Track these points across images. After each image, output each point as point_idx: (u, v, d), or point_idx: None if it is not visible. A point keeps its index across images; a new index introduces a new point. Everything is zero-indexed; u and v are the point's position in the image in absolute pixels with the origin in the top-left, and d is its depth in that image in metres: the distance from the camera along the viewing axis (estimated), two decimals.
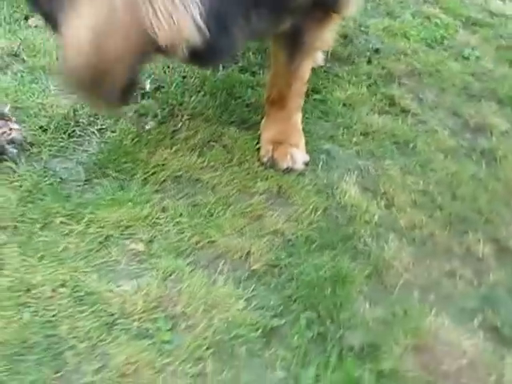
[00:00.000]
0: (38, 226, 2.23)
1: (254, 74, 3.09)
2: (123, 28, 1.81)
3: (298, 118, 2.67)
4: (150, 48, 1.87)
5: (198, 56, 2.02)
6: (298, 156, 2.60)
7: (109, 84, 1.93)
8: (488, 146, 2.97)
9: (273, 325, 2.09)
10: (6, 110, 2.47)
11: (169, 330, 2.01)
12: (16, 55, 2.93)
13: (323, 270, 2.26)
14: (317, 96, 3.00)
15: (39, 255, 2.15)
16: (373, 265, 2.33)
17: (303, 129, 2.75)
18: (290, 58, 2.49)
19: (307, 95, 2.86)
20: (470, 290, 2.34)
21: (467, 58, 3.55)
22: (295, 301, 2.16)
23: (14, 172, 2.39)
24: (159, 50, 1.89)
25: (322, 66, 3.18)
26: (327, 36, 2.52)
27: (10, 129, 2.36)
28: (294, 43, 2.46)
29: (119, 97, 2.01)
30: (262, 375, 1.96)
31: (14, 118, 2.45)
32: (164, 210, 2.36)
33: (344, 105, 2.99)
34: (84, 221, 2.27)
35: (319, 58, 3.16)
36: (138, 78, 2.07)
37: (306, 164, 2.63)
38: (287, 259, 2.29)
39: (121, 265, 2.18)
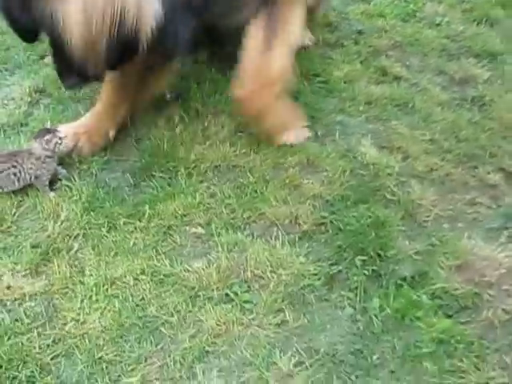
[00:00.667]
0: (105, 229, 2.47)
1: None
2: (102, 9, 2.20)
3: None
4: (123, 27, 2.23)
5: (161, 45, 2.36)
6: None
7: (96, 51, 2.27)
8: (476, 94, 3.29)
9: (332, 272, 2.36)
10: (47, 125, 2.71)
11: (246, 292, 2.27)
12: (42, 91, 3.19)
13: (363, 219, 2.53)
14: (319, 78, 3.29)
15: (113, 253, 2.39)
16: (403, 208, 2.61)
17: (314, 107, 3.04)
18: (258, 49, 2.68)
19: (308, 78, 3.17)
20: (491, 212, 2.64)
21: (439, 25, 3.88)
22: (345, 249, 2.43)
23: (71, 189, 2.63)
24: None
25: (307, 47, 3.46)
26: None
27: (60, 138, 2.60)
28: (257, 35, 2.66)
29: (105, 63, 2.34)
30: (334, 315, 2.22)
31: (58, 128, 2.69)
32: (212, 195, 2.62)
33: (344, 82, 3.29)
34: (145, 217, 2.51)
35: (306, 38, 3.46)
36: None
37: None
38: (330, 216, 2.55)
39: (187, 248, 2.43)
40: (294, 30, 2.71)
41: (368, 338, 2.16)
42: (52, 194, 2.59)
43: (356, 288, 2.32)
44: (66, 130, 2.70)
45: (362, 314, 2.24)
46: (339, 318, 2.23)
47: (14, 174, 2.55)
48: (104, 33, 2.25)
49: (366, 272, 2.37)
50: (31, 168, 2.56)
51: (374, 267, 2.38)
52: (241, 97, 2.69)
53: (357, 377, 2.06)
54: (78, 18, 2.24)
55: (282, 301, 2.25)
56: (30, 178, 2.58)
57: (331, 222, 2.55)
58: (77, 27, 2.25)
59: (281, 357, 2.08)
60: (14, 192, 2.59)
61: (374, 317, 2.22)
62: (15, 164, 2.56)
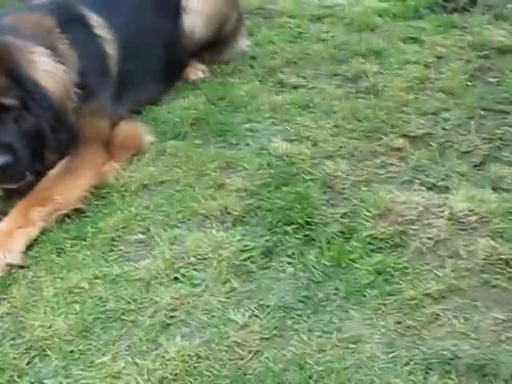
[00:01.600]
0: (54, 254, 2.59)
1: None
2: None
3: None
4: None
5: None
6: None
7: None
8: (369, 84, 3.64)
9: (268, 244, 2.58)
10: None
11: (192, 271, 2.47)
12: None
13: (287, 197, 2.77)
14: (224, 101, 3.61)
15: (65, 270, 2.50)
16: (321, 182, 2.89)
17: (223, 123, 3.36)
18: None
19: (214, 102, 3.52)
20: (401, 169, 2.93)
21: (325, 40, 4.28)
22: (276, 224, 2.66)
23: None
24: None
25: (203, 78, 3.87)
26: None
27: None
28: None
29: None
30: (277, 277, 2.44)
31: None
32: (146, 207, 2.83)
33: (247, 98, 3.59)
34: (89, 236, 2.68)
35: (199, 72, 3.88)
36: None
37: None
38: (257, 202, 2.81)
39: (132, 253, 2.62)
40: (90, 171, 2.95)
41: (312, 287, 2.37)
42: None
43: (293, 253, 2.53)
44: None
45: (303, 270, 2.45)
46: (283, 278, 2.43)
47: None
48: None
49: (298, 237, 2.58)
50: None
51: (306, 232, 2.60)
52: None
53: (308, 316, 2.24)
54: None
55: (227, 273, 2.44)
56: None
57: (259, 206, 2.77)
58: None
59: (235, 314, 2.25)
60: None
61: (313, 269, 2.43)
62: None
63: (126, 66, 3.38)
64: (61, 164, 2.94)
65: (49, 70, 2.89)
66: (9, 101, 2.77)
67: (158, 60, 3.66)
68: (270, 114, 3.43)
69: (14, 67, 2.79)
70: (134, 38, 3.47)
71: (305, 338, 2.16)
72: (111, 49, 3.34)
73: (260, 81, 3.79)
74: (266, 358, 2.09)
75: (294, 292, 2.35)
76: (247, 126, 3.36)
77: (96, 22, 3.32)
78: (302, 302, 2.31)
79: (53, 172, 2.91)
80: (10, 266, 2.55)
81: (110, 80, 3.31)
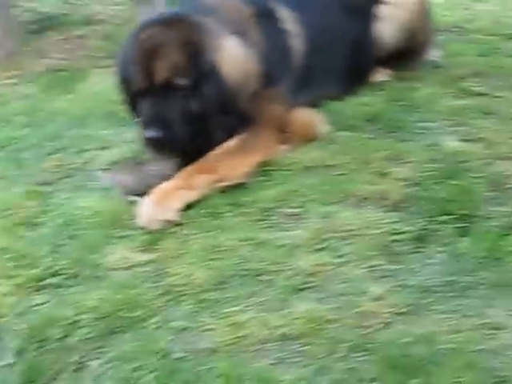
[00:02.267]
0: (209, 218, 2.67)
1: None
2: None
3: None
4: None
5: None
6: None
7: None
8: None
9: (422, 230, 2.49)
10: None
11: (338, 243, 2.44)
12: None
13: (449, 189, 2.66)
14: (402, 102, 3.54)
15: (216, 231, 2.58)
16: (489, 179, 2.76)
17: (397, 120, 3.31)
18: None
19: (390, 103, 3.48)
20: None
21: None
22: (434, 214, 2.55)
23: None
24: None
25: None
26: None
27: None
28: None
29: None
30: (424, 262, 2.34)
31: None
32: (304, 185, 2.82)
33: (426, 101, 3.51)
34: (245, 205, 2.73)
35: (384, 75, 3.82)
36: None
37: None
38: (418, 192, 2.72)
39: (283, 224, 2.63)
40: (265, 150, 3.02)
41: (459, 273, 2.25)
42: None
43: (446, 243, 2.41)
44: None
45: (453, 258, 2.33)
46: (430, 264, 2.33)
47: None
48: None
49: (454, 227, 2.47)
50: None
51: (463, 224, 2.48)
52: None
53: (448, 299, 2.13)
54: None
55: (374, 251, 2.38)
56: None
57: (419, 195, 2.68)
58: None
59: (372, 287, 2.18)
60: None
61: (464, 257, 2.31)
62: None
63: (310, 62, 3.42)
64: (233, 139, 3.02)
65: (233, 57, 3.00)
66: (182, 81, 2.89)
67: (343, 60, 3.67)
68: (447, 116, 3.32)
69: (199, 51, 2.93)
70: (321, 36, 3.50)
71: (440, 317, 2.06)
72: (297, 43, 3.39)
73: (442, 87, 3.68)
74: (395, 330, 2.01)
75: (440, 276, 2.24)
76: (421, 124, 3.27)
77: (286, 16, 3.40)
78: (444, 285, 2.19)
79: (224, 145, 3.00)
80: (166, 221, 2.65)
81: (292, 72, 3.36)
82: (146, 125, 2.90)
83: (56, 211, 2.85)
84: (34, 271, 2.46)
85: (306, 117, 3.24)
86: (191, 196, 2.76)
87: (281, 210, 2.69)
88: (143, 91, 2.94)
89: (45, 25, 6.09)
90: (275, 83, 3.20)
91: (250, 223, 2.62)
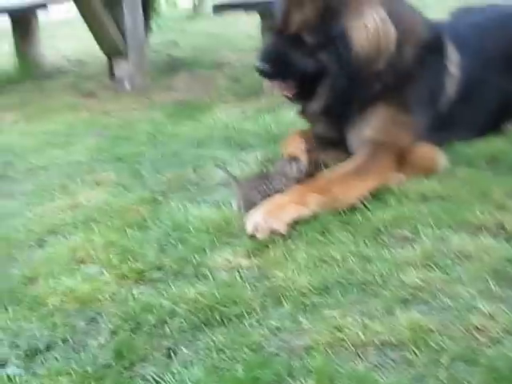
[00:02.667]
0: (318, 233, 2.61)
1: None
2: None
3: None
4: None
5: None
6: None
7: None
8: None
9: None
10: None
11: (449, 263, 2.31)
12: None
13: None
14: None
15: (323, 244, 2.47)
16: None
17: None
18: None
19: None
20: None
21: None
22: None
23: None
24: None
25: None
26: None
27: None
28: None
29: None
30: None
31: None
32: (417, 211, 2.74)
33: None
34: (356, 223, 2.66)
35: None
36: None
37: None
38: None
39: (394, 246, 2.52)
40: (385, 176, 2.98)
41: None
42: None
43: None
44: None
45: None
46: None
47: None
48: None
49: None
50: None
51: None
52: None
53: None
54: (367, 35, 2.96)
55: (487, 273, 2.23)
56: None
57: None
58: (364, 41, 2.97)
59: (482, 304, 2.04)
60: None
61: None
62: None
63: (456, 108, 3.32)
64: (351, 161, 3.01)
65: (369, 29, 2.99)
66: (310, 38, 3.00)
67: (488, 114, 3.51)
68: None
69: (334, 13, 2.97)
70: (476, 87, 3.40)
71: None
72: (451, 86, 3.31)
73: None
74: (504, 346, 1.86)
75: None
76: None
77: (452, 57, 3.33)
78: None
79: (341, 166, 2.99)
80: (274, 231, 2.61)
81: (436, 111, 3.28)
82: (261, 56, 3.13)
83: (166, 217, 2.89)
84: (137, 265, 2.48)
85: (427, 150, 3.15)
86: (302, 212, 2.73)
87: (392, 231, 2.60)
88: (278, 31, 3.10)
89: (176, 66, 6.39)
90: (415, 113, 3.16)
91: (359, 240, 2.53)
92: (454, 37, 3.36)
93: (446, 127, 3.31)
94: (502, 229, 2.54)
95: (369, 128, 3.11)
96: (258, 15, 4.91)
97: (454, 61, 3.31)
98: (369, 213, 2.73)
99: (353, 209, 2.78)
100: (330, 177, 2.94)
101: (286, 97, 3.27)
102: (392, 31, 3.03)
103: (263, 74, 3.16)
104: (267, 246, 2.55)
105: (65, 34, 9.26)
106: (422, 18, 3.35)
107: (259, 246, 2.55)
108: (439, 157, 3.16)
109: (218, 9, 5.57)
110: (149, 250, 2.60)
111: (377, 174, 2.96)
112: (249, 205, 2.78)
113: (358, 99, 3.13)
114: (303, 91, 3.19)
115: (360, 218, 2.69)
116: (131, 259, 2.52)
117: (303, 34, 3.02)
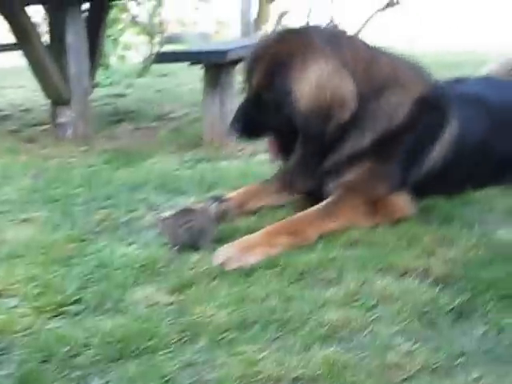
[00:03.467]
0: (242, 277, 2.57)
1: None
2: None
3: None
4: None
5: None
6: None
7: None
8: None
9: (464, 302, 2.32)
10: None
11: (371, 305, 2.32)
12: None
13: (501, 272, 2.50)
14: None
15: (246, 285, 2.44)
16: None
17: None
18: None
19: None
20: None
21: None
22: (481, 290, 2.38)
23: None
24: None
25: None
26: None
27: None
28: None
29: None
30: (464, 332, 2.16)
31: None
32: (344, 253, 2.74)
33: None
34: (279, 266, 2.64)
35: None
36: None
37: None
38: (464, 271, 2.55)
39: (317, 288, 2.51)
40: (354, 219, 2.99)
41: (499, 343, 2.08)
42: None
43: (490, 318, 2.23)
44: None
45: (494, 331, 2.16)
46: (468, 333, 2.16)
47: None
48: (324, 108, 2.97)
49: (500, 304, 2.30)
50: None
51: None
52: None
53: (482, 363, 1.96)
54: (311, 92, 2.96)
55: (408, 314, 2.23)
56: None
57: (464, 274, 2.53)
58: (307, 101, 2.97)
59: (400, 343, 2.04)
60: None
61: (507, 330, 2.13)
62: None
63: (449, 164, 3.28)
64: (322, 203, 3.02)
65: (315, 84, 2.98)
66: (267, 96, 3.07)
67: (480, 176, 3.47)
68: (504, 213, 3.21)
69: (282, 70, 3.01)
70: (473, 151, 3.38)
71: (472, 377, 1.89)
72: (445, 145, 3.26)
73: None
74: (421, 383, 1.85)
75: (477, 344, 2.07)
76: (476, 216, 3.14)
77: (450, 114, 3.27)
78: (480, 352, 2.03)
79: (312, 208, 3.01)
80: (240, 266, 2.63)
81: (422, 166, 3.24)
82: (233, 119, 3.24)
83: (92, 254, 2.85)
84: (56, 298, 2.43)
85: (397, 198, 3.12)
86: (270, 253, 2.74)
87: (317, 273, 2.59)
88: (245, 93, 3.24)
89: (120, 117, 6.40)
90: (396, 163, 3.14)
91: (282, 281, 2.52)
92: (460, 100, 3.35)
93: (438, 179, 3.27)
94: (428, 274, 2.54)
95: (345, 177, 3.11)
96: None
97: (451, 119, 3.26)
98: (294, 255, 2.72)
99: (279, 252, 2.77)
100: (301, 217, 2.96)
101: (273, 156, 3.34)
102: (346, 84, 3.02)
103: (235, 134, 3.30)
104: (190, 285, 2.51)
105: (13, 82, 9.24)
106: (418, 73, 3.30)
107: (182, 283, 2.52)
108: (410, 207, 3.14)
109: (161, 58, 5.61)
110: (70, 284, 2.54)
111: (344, 217, 2.98)
112: (174, 240, 2.81)
113: (333, 151, 3.14)
114: (285, 148, 3.23)
115: (286, 261, 2.67)
116: (51, 293, 2.46)
117: (262, 92, 3.08)
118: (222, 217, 3.00)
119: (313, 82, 2.96)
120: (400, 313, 2.24)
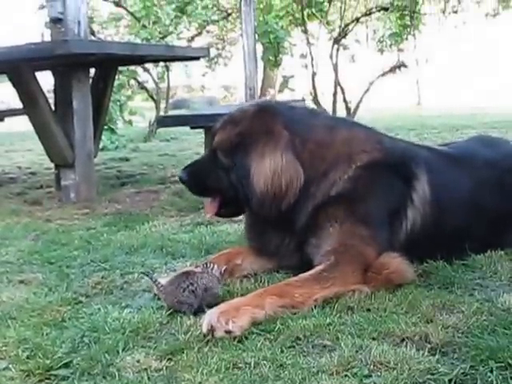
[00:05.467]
0: (235, 340, 2.52)
1: None
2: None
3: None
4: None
5: None
6: None
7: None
8: None
9: (463, 372, 2.25)
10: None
11: (367, 374, 2.24)
12: None
13: (498, 338, 2.44)
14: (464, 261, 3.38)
15: (238, 351, 2.38)
16: None
17: (450, 277, 3.16)
18: None
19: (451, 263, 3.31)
20: None
21: None
22: (480, 359, 2.31)
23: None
24: None
25: None
26: None
27: None
28: None
29: None
30: None
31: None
32: (341, 317, 2.69)
33: (486, 261, 3.33)
34: (275, 331, 2.59)
35: None
36: None
37: None
38: (464, 339, 2.49)
39: (312, 355, 2.45)
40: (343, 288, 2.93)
41: None
42: None
43: None
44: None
45: None
46: None
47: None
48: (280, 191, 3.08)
49: (501, 375, 2.22)
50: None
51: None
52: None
53: None
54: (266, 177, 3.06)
55: (405, 383, 2.17)
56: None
57: (465, 342, 2.46)
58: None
59: None
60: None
61: None
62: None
63: (433, 224, 3.30)
64: (313, 269, 2.99)
65: (268, 169, 3.07)
66: (222, 157, 3.21)
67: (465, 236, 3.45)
68: (507, 277, 3.15)
69: (240, 145, 3.13)
70: (452, 210, 3.41)
71: None
72: (421, 205, 3.28)
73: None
74: None
75: None
76: (477, 281, 3.11)
77: (420, 176, 3.32)
78: None
79: (303, 274, 2.97)
80: (228, 332, 2.56)
81: (399, 218, 3.24)
82: (185, 166, 3.42)
83: (85, 318, 2.83)
84: (45, 361, 2.38)
85: (393, 262, 3.07)
86: (258, 315, 2.69)
87: (312, 339, 2.53)
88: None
89: (124, 181, 6.44)
90: (373, 225, 3.14)
91: (275, 347, 2.46)
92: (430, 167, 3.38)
93: (420, 240, 3.26)
94: (427, 341, 2.49)
95: (327, 244, 3.08)
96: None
97: (422, 180, 3.30)
98: (290, 321, 2.67)
99: (274, 317, 2.71)
100: (290, 281, 2.94)
101: (210, 215, 3.49)
102: (298, 174, 3.12)
103: (182, 182, 3.41)
104: (181, 350, 2.46)
105: (21, 146, 9.35)
106: (374, 141, 3.35)
107: (173, 349, 2.47)
108: (406, 269, 3.09)
109: (162, 122, 5.67)
110: (61, 348, 2.51)
111: (338, 282, 2.92)
112: (180, 305, 2.80)
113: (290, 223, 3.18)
114: (231, 207, 3.34)
115: (280, 326, 2.62)
116: (41, 356, 2.42)
117: (219, 152, 3.20)
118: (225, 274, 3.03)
119: (269, 170, 3.07)
120: (396, 382, 2.17)
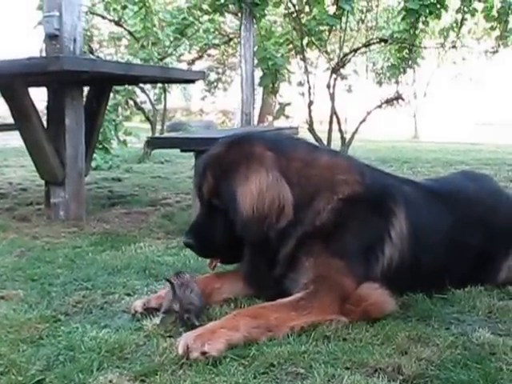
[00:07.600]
0: (210, 365, 2.54)
1: None
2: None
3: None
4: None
5: None
6: None
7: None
8: None
9: None
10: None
11: None
12: None
13: (470, 374, 2.46)
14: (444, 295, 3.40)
15: (212, 376, 2.43)
16: None
17: (429, 310, 3.19)
18: None
19: (431, 297, 3.32)
20: None
21: None
22: None
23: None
24: None
25: None
26: None
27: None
28: None
29: None
30: None
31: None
32: (317, 346, 2.70)
33: (465, 296, 3.35)
34: (249, 356, 2.60)
35: None
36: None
37: None
38: (436, 372, 2.51)
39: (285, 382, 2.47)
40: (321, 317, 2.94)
41: None
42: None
43: None
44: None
45: None
46: None
47: None
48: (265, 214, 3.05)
49: None
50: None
51: None
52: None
53: None
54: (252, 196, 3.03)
55: None
56: None
57: (437, 376, 2.49)
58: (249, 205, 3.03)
59: None
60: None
61: None
62: None
63: (411, 258, 3.30)
64: (291, 296, 3.00)
65: (256, 192, 3.05)
66: (216, 202, 3.16)
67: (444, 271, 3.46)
68: (484, 313, 3.17)
69: (226, 178, 3.10)
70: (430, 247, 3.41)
71: None
72: (394, 229, 3.29)
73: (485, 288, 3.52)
74: None
75: None
76: (455, 315, 3.13)
77: (398, 211, 3.32)
78: None
79: (280, 300, 2.98)
80: (204, 354, 2.58)
81: (376, 250, 3.24)
82: (188, 230, 3.30)
83: (62, 336, 2.83)
84: (18, 379, 2.40)
85: (373, 294, 3.07)
86: (234, 338, 2.70)
87: (285, 366, 2.55)
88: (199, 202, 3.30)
89: (114, 201, 6.46)
90: (348, 258, 3.13)
91: (249, 373, 2.48)
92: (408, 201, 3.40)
93: (405, 279, 3.27)
94: (399, 373, 2.51)
95: (304, 277, 3.09)
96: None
97: (399, 220, 3.30)
98: (265, 347, 2.68)
99: (249, 343, 2.72)
100: (266, 305, 2.95)
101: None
102: (284, 193, 3.10)
103: (190, 247, 3.33)
104: (155, 372, 2.47)
105: (15, 162, 9.37)
106: (354, 173, 3.32)
107: (147, 370, 2.48)
108: (386, 300, 3.09)
109: (152, 143, 5.68)
110: (35, 365, 2.52)
111: (316, 311, 2.93)
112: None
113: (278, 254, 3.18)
114: (231, 255, 3.33)
115: (255, 352, 2.64)
116: (14, 373, 2.44)
117: (212, 199, 3.18)
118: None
119: (254, 191, 3.04)
120: None
